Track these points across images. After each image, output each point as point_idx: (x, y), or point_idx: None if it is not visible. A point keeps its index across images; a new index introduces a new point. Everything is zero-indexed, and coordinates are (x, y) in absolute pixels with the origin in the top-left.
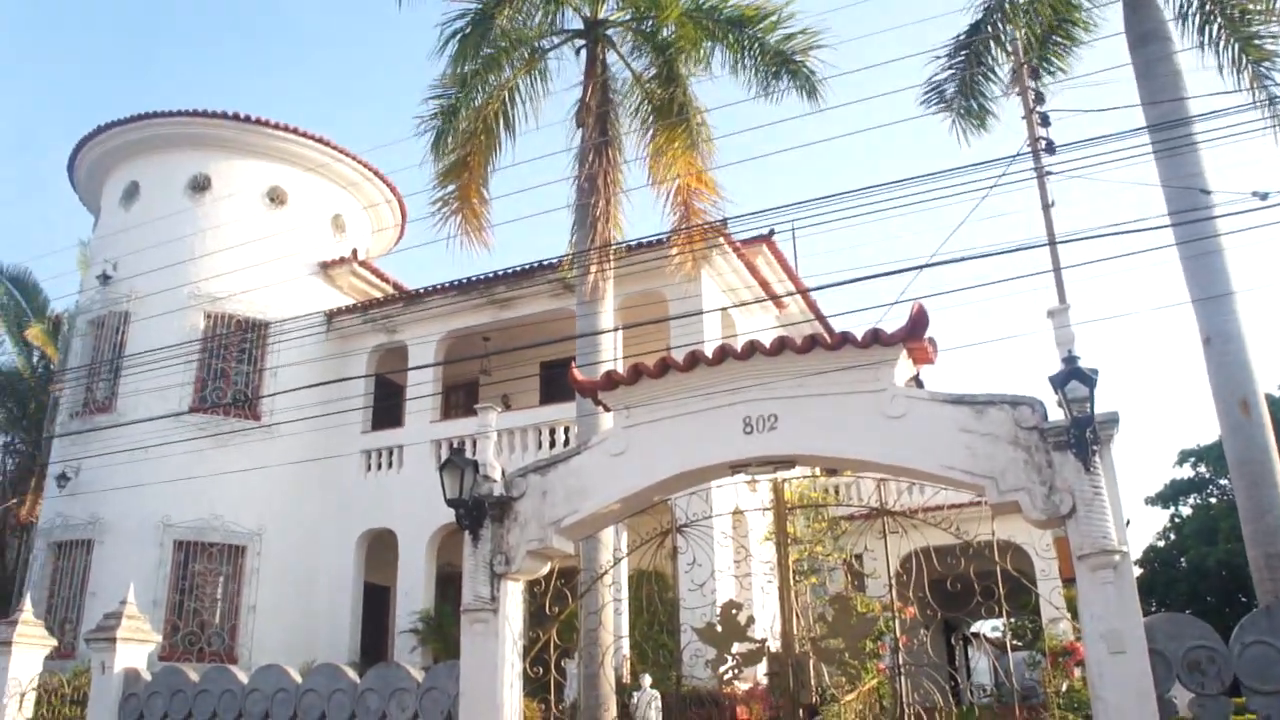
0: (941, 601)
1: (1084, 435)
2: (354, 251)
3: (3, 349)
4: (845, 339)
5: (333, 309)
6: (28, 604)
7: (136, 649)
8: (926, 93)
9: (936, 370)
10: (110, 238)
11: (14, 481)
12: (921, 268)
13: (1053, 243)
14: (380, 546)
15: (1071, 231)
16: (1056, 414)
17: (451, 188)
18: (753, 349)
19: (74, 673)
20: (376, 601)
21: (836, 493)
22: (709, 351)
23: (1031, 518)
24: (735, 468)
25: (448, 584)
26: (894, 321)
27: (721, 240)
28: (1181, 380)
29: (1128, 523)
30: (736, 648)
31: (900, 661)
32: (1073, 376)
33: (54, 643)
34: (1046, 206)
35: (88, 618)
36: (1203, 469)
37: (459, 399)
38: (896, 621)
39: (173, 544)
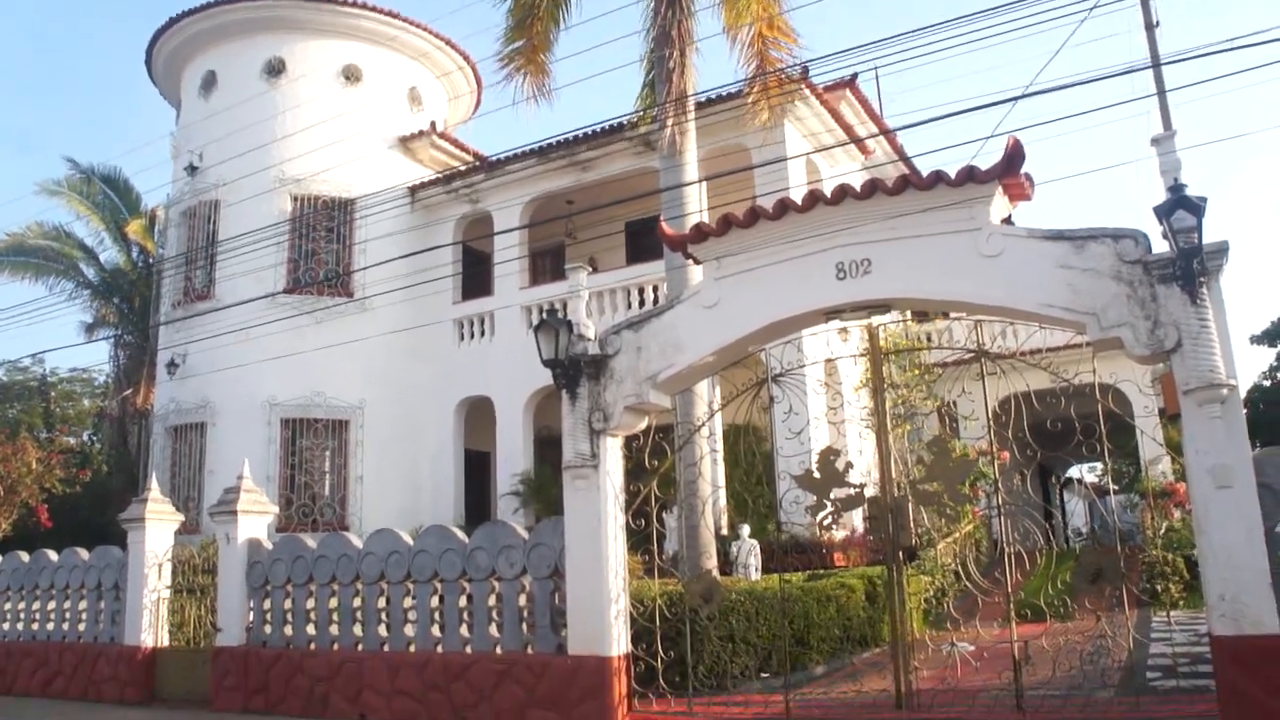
0: (1040, 443)
1: (1191, 266)
2: (432, 124)
3: (103, 247)
4: (938, 178)
5: (415, 183)
6: (154, 483)
7: (256, 520)
8: None
9: (1032, 210)
10: (193, 128)
11: (128, 372)
12: (1017, 99)
13: (1156, 65)
14: (478, 414)
15: (1177, 51)
16: (1161, 247)
17: (519, 44)
18: (843, 193)
19: (202, 545)
20: (477, 467)
21: (929, 339)
22: (798, 198)
23: (1134, 353)
24: (829, 314)
25: (546, 447)
26: (987, 160)
27: (802, 87)
28: None
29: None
30: (835, 493)
31: (1000, 501)
32: (1179, 205)
33: (181, 518)
34: (1150, 26)
35: (208, 495)
36: None
37: (546, 264)
38: (995, 463)
39: (280, 421)
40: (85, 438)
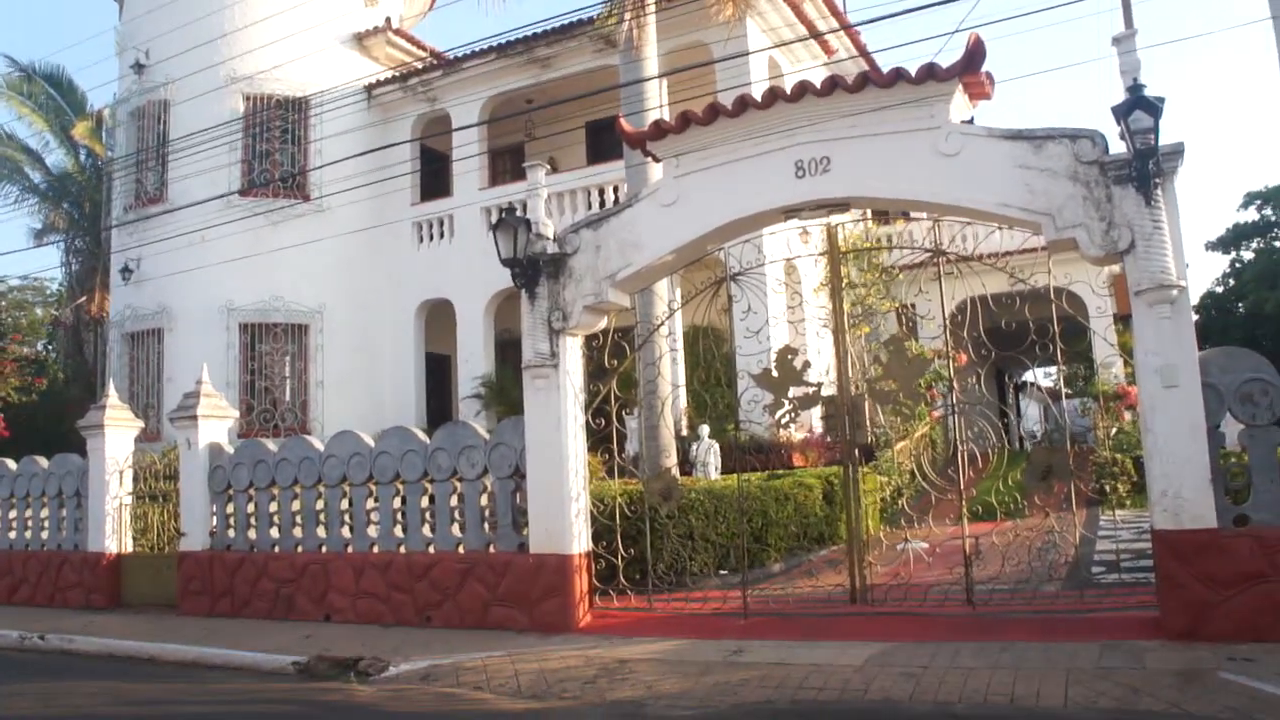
0: (996, 344)
1: (1146, 167)
2: (387, 20)
3: (49, 149)
4: (899, 75)
5: (371, 81)
6: (112, 390)
7: (217, 425)
8: None
9: (993, 110)
10: (138, 23)
11: (80, 279)
12: None
13: None
14: (438, 316)
15: None
16: (1118, 149)
17: None
18: (803, 90)
19: (164, 452)
20: (438, 370)
21: (889, 240)
22: (758, 95)
23: (1089, 254)
24: (788, 212)
25: (506, 349)
26: (948, 58)
27: None
28: (1253, 117)
29: (1186, 266)
30: (793, 392)
31: (955, 400)
32: (1137, 106)
33: (141, 424)
34: None
35: (167, 402)
36: (1269, 212)
37: (505, 165)
38: (951, 364)
39: (238, 326)
40: (40, 347)
